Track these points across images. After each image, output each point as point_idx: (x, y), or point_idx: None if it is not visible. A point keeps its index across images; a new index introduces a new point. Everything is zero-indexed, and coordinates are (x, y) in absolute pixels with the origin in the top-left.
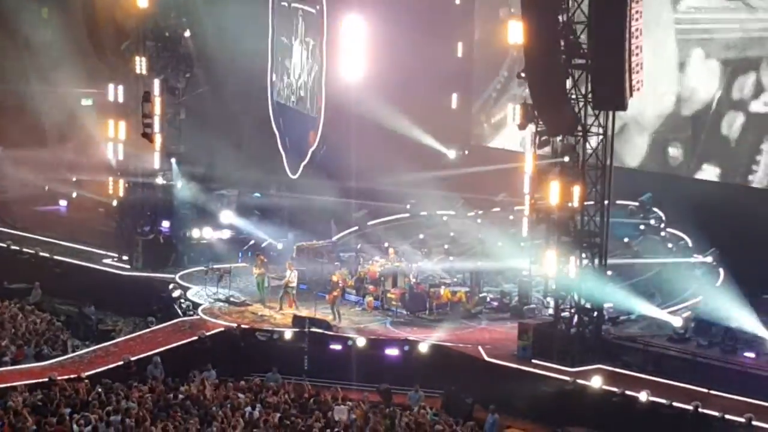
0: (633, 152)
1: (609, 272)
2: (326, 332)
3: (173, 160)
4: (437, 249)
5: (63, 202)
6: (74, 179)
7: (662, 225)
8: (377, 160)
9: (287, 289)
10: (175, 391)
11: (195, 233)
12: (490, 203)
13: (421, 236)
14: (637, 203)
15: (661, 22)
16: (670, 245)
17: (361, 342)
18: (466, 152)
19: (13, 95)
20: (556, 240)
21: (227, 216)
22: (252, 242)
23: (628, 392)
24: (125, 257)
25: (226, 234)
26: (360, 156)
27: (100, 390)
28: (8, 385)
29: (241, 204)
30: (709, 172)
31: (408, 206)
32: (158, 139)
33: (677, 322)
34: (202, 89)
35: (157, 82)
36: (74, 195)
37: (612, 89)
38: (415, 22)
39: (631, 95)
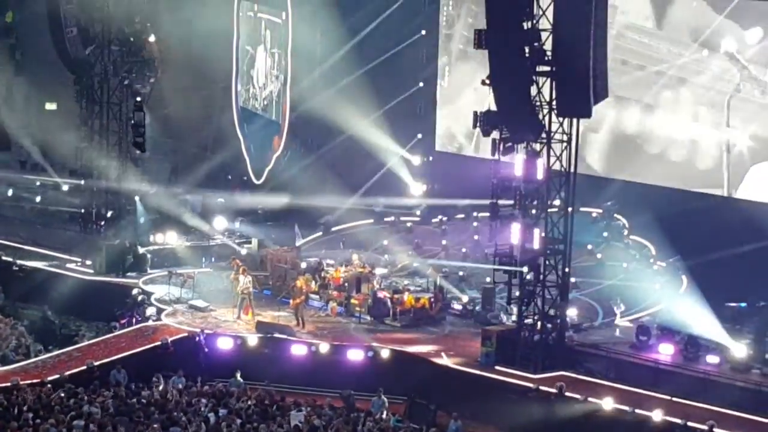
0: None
1: (572, 279)
2: (290, 338)
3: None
4: (401, 255)
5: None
6: (38, 183)
7: (626, 232)
8: (340, 168)
9: (243, 295)
10: (138, 396)
11: (159, 238)
12: (454, 209)
13: (385, 242)
14: (600, 210)
15: None
16: (633, 252)
17: (324, 348)
18: (430, 158)
19: None
20: (520, 247)
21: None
22: (216, 247)
23: (591, 399)
24: (89, 262)
25: (189, 240)
26: (323, 163)
27: (63, 395)
28: None
29: (206, 209)
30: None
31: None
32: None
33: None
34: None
35: (120, 87)
36: (38, 199)
37: (576, 96)
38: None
39: (595, 102)
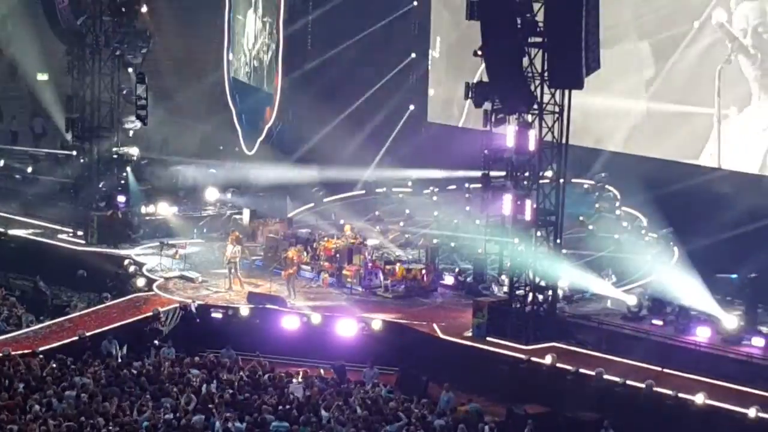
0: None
1: (564, 250)
2: (281, 309)
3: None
4: (393, 226)
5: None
6: (29, 153)
7: (617, 203)
8: (333, 138)
9: (230, 264)
10: (128, 367)
11: (150, 209)
12: (446, 180)
13: (377, 213)
14: (592, 181)
15: None
16: (625, 224)
17: (316, 319)
18: (423, 129)
19: None
20: (512, 218)
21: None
22: (208, 218)
23: (581, 370)
24: (80, 232)
25: (182, 209)
26: (315, 133)
27: (54, 365)
28: None
29: (197, 179)
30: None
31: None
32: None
33: (631, 300)
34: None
35: (113, 58)
36: (29, 170)
37: (568, 67)
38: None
39: (587, 74)
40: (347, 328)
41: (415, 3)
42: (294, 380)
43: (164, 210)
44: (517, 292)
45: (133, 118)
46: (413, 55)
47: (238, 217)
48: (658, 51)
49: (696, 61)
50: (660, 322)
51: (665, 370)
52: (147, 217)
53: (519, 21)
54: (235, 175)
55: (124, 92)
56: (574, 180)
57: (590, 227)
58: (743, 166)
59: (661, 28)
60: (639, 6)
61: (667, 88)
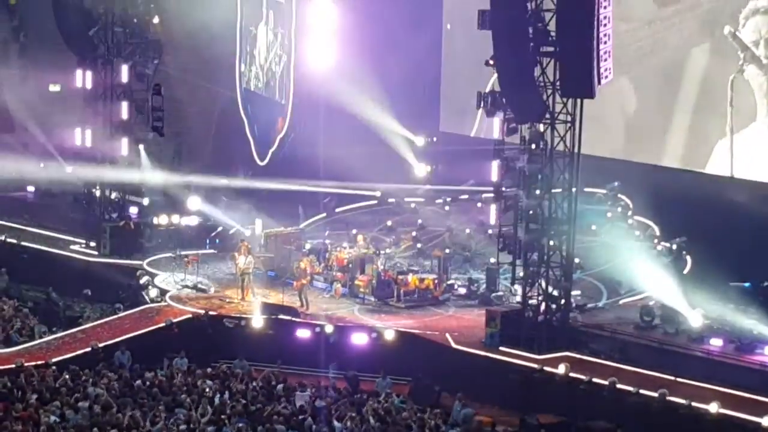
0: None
1: (576, 259)
2: (294, 319)
3: (141, 147)
4: (405, 236)
5: (31, 188)
6: (42, 165)
7: (629, 213)
8: (345, 148)
9: (243, 275)
10: (141, 377)
11: (163, 219)
12: (458, 190)
13: (389, 223)
14: (604, 191)
15: None
16: (637, 233)
17: (329, 329)
18: (434, 139)
19: None
20: (524, 227)
21: (194, 202)
22: (220, 229)
23: (595, 380)
24: (93, 243)
25: (195, 220)
26: (328, 144)
27: (67, 376)
28: None
29: (210, 190)
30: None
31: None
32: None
33: (644, 309)
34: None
35: (125, 69)
36: (42, 181)
37: (580, 77)
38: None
39: (599, 83)
40: (360, 339)
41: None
42: (299, 391)
43: (177, 221)
44: (530, 302)
45: (144, 127)
46: (427, 65)
47: (250, 227)
48: (671, 63)
49: (709, 71)
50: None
51: (678, 379)
52: (160, 228)
53: (531, 30)
54: (247, 185)
55: (136, 103)
56: (586, 189)
57: (602, 236)
58: (757, 175)
59: (674, 39)
60: (651, 18)
61: (681, 98)
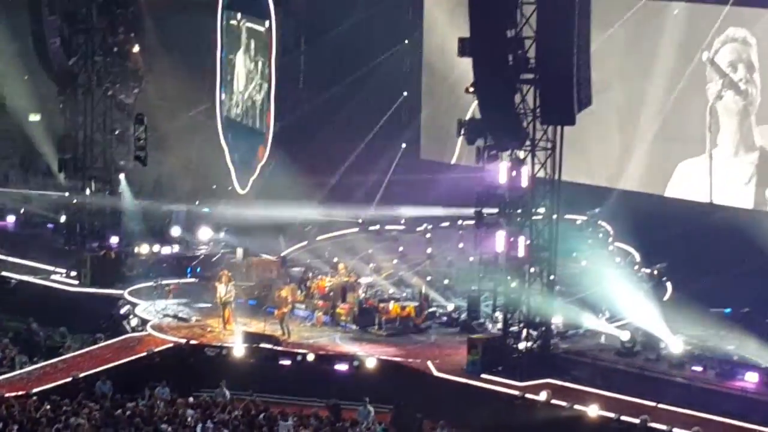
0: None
1: (557, 286)
2: (275, 348)
3: (121, 176)
4: (386, 264)
5: (11, 218)
6: (23, 194)
7: (610, 239)
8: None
9: (224, 304)
10: (123, 407)
11: (144, 249)
12: (438, 218)
13: (371, 251)
14: (585, 217)
15: None
16: (617, 259)
17: (310, 357)
18: (416, 166)
19: None
20: (505, 255)
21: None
22: (201, 257)
23: (576, 406)
24: (73, 273)
25: (176, 249)
26: (307, 171)
27: (48, 407)
28: None
29: (191, 218)
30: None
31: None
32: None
33: (625, 336)
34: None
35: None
36: (22, 211)
37: (560, 104)
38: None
39: (579, 110)
40: (341, 366)
41: (407, 42)
42: (281, 421)
43: (157, 250)
44: (511, 329)
45: (124, 156)
46: (405, 92)
47: (231, 256)
48: (650, 89)
49: (687, 97)
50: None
51: (660, 405)
52: (141, 257)
53: (511, 58)
54: (228, 214)
55: (117, 132)
56: (567, 216)
57: (583, 263)
58: (736, 201)
59: (653, 66)
60: (630, 45)
61: (660, 125)
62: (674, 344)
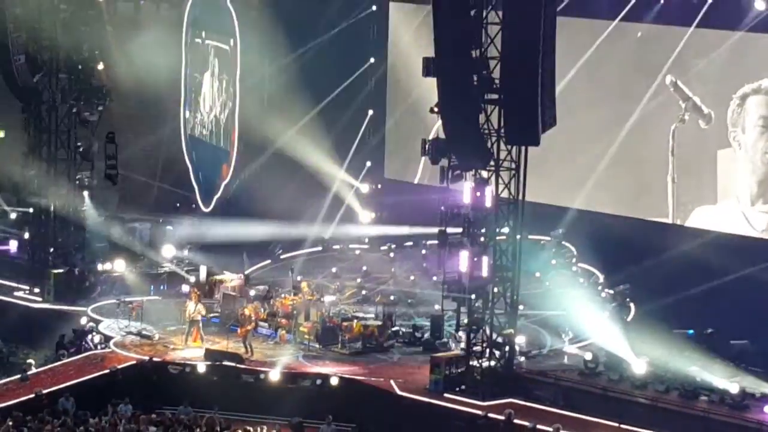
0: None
1: (521, 307)
2: (238, 365)
3: (85, 194)
4: (350, 283)
5: None
6: None
7: (574, 260)
8: (289, 195)
9: (192, 322)
10: (85, 424)
11: (107, 266)
12: (402, 237)
13: (334, 270)
14: (549, 238)
15: None
16: (581, 280)
17: (273, 375)
18: (379, 186)
19: None
20: (468, 275)
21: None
22: (164, 275)
23: (539, 426)
24: (37, 289)
25: (139, 266)
26: (271, 190)
27: (10, 423)
28: None
29: (154, 236)
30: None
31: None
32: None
33: (588, 356)
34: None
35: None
36: None
37: (524, 124)
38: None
39: (543, 131)
40: (304, 385)
41: (372, 60)
42: None
43: (121, 267)
44: (475, 348)
45: (88, 173)
46: (370, 112)
47: (194, 274)
48: (613, 111)
49: (650, 120)
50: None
51: (622, 426)
52: (104, 275)
53: (475, 78)
54: (191, 232)
55: (81, 149)
56: (530, 236)
57: (547, 283)
58: (699, 222)
59: (616, 89)
60: (593, 67)
61: (623, 147)
62: (637, 365)
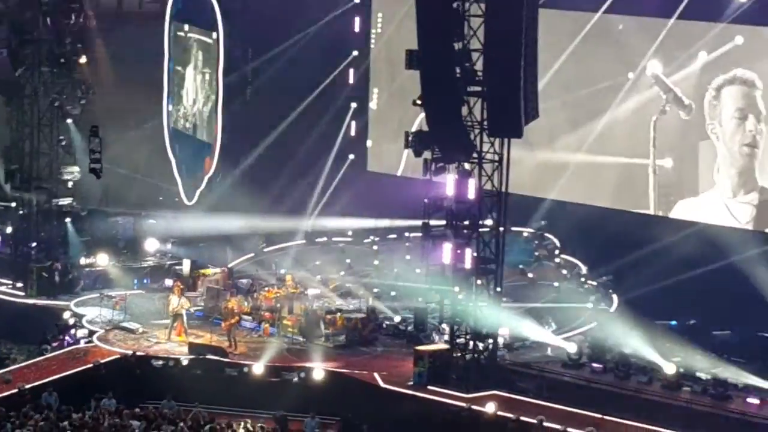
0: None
1: (504, 299)
2: (222, 359)
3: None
4: (333, 275)
5: None
6: None
7: (557, 251)
8: (273, 188)
9: (175, 316)
10: (69, 419)
11: (90, 260)
12: (386, 230)
13: (318, 263)
14: (532, 230)
15: None
16: (564, 271)
17: (257, 369)
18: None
19: None
20: (452, 267)
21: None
22: (148, 269)
23: (523, 418)
24: (19, 284)
25: (122, 260)
26: (255, 184)
27: None
28: None
29: (138, 230)
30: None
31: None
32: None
33: (571, 348)
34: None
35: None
36: None
37: (507, 116)
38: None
39: (526, 123)
40: (288, 378)
41: (356, 53)
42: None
43: (104, 261)
44: (458, 341)
45: (71, 168)
46: (353, 105)
47: (178, 267)
48: (595, 103)
49: (632, 112)
50: (599, 366)
51: (606, 417)
52: (87, 269)
53: (458, 70)
54: (175, 225)
55: (63, 143)
56: (513, 228)
57: (530, 275)
58: (681, 213)
59: (598, 80)
60: (576, 59)
61: (605, 139)
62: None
